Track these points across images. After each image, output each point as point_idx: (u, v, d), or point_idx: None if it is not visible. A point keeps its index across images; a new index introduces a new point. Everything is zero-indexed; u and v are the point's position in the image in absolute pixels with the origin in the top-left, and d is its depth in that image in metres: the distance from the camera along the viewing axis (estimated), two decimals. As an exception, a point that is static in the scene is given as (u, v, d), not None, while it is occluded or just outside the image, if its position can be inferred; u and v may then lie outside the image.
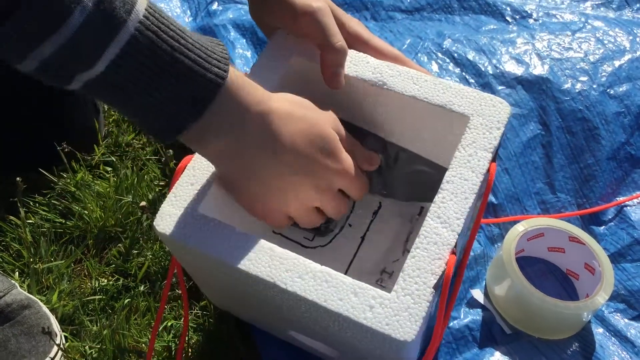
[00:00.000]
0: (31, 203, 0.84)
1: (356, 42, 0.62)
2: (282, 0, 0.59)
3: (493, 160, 0.55)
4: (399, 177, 0.66)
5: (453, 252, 0.50)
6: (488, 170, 0.54)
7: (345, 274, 0.66)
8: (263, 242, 0.51)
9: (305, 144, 0.52)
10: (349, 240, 0.68)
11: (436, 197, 0.52)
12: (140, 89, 0.44)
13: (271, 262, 0.50)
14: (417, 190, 0.67)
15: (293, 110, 0.52)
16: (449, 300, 0.56)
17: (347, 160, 0.55)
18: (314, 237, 0.67)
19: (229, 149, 0.50)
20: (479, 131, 0.55)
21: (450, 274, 0.48)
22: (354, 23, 0.62)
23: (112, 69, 0.42)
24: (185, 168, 0.55)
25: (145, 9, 0.42)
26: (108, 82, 0.43)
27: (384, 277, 0.66)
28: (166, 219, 0.53)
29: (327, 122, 0.54)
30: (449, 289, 0.50)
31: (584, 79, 0.87)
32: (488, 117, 0.56)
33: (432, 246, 0.50)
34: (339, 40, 0.58)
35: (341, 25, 0.60)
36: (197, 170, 0.55)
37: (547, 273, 0.77)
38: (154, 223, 0.53)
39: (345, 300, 0.48)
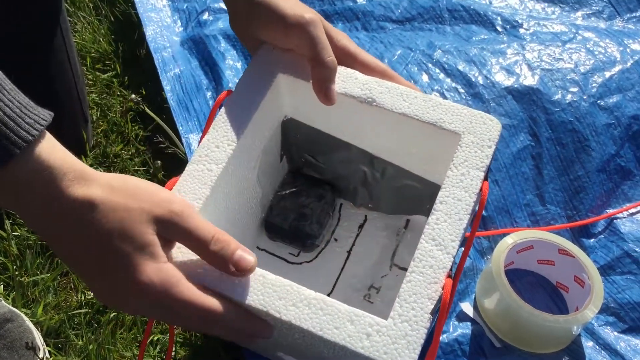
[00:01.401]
0: (17, 216, 0.83)
1: (344, 56, 0.61)
2: (271, 11, 0.57)
3: (485, 178, 0.54)
4: (385, 190, 0.66)
5: (449, 276, 0.49)
6: (481, 189, 0.53)
7: (332, 290, 0.65)
8: (258, 270, 0.49)
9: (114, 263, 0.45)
10: (335, 255, 0.67)
11: (430, 218, 0.51)
12: None
13: (264, 289, 0.48)
14: (403, 203, 0.67)
15: (117, 202, 0.45)
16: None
17: (151, 278, 0.45)
18: (299, 252, 0.67)
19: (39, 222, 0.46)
20: (471, 149, 0.55)
21: (448, 298, 0.47)
22: (341, 36, 0.61)
23: None
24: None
25: None
26: None
27: (372, 292, 0.66)
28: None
29: (139, 233, 0.45)
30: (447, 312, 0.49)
31: (575, 89, 0.87)
32: (479, 134, 0.55)
33: (428, 270, 0.49)
34: (329, 54, 0.56)
35: (330, 39, 0.59)
36: (182, 194, 0.54)
37: (536, 286, 0.77)
38: None
39: (342, 329, 0.47)
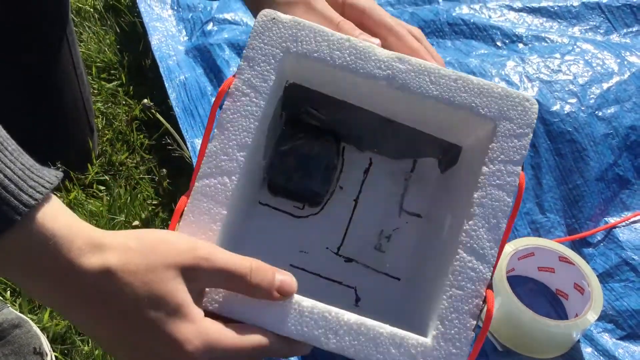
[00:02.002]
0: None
1: (354, 16, 0.56)
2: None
3: (522, 168, 0.50)
4: (394, 141, 0.61)
5: (489, 287, 0.47)
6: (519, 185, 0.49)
7: (342, 242, 0.62)
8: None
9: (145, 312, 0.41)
10: (342, 204, 0.63)
11: (467, 224, 0.48)
12: None
13: (301, 319, 0.46)
14: (410, 148, 0.62)
15: (135, 269, 0.41)
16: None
17: (187, 337, 0.42)
18: (304, 205, 0.63)
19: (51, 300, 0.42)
20: (507, 140, 0.49)
21: (492, 312, 0.45)
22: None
23: None
24: (182, 213, 0.49)
25: None
26: None
27: (383, 241, 0.63)
28: None
29: (170, 292, 0.42)
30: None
31: (573, 101, 0.89)
32: (516, 121, 0.49)
33: (468, 283, 0.46)
34: (339, 20, 0.54)
35: (339, 4, 0.56)
36: (195, 217, 0.48)
37: (537, 292, 0.78)
38: None
39: (386, 354, 0.45)
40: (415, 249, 0.62)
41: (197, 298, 0.43)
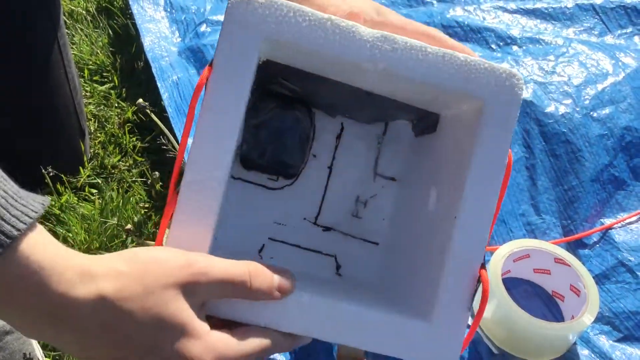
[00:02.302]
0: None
1: (387, 27, 0.52)
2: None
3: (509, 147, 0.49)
4: (368, 107, 0.60)
5: (483, 267, 0.48)
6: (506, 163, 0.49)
7: (319, 212, 0.61)
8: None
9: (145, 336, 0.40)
10: (317, 172, 0.62)
11: (461, 207, 0.48)
12: None
13: (300, 314, 0.46)
14: (384, 113, 0.61)
15: (129, 293, 0.40)
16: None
17: (197, 355, 0.41)
18: (278, 177, 0.61)
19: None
20: (495, 119, 0.48)
21: (488, 288, 0.47)
22: (385, 11, 0.53)
23: None
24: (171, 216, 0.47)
25: None
26: None
27: (359, 207, 0.62)
28: None
29: (173, 313, 0.41)
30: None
31: (567, 102, 0.88)
32: (503, 98, 0.48)
33: (464, 266, 0.47)
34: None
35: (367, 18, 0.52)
36: (184, 224, 0.47)
37: (532, 294, 0.78)
38: None
39: (386, 342, 0.46)
40: (392, 214, 0.61)
41: (199, 311, 0.42)
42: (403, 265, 0.56)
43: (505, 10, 1.08)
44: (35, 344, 0.72)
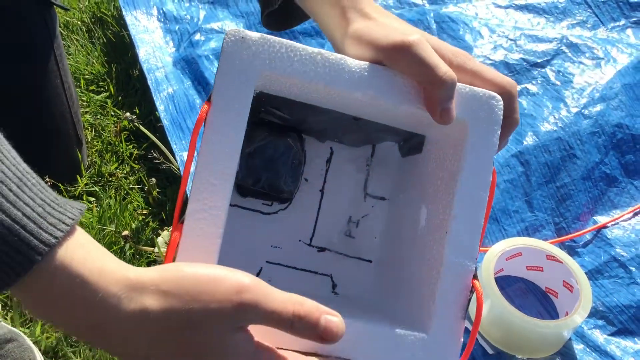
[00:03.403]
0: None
1: (462, 75, 0.52)
2: (368, 42, 0.51)
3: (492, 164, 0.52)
4: (356, 132, 0.62)
5: (475, 277, 0.50)
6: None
7: (314, 233, 0.63)
8: None
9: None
10: (309, 195, 0.65)
11: (450, 225, 0.50)
12: None
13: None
14: (371, 137, 0.64)
15: (173, 311, 0.39)
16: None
17: None
18: (272, 202, 0.64)
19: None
20: (478, 139, 0.51)
21: (482, 298, 0.49)
22: (459, 54, 0.53)
23: None
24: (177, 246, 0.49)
25: None
26: None
27: (351, 227, 0.65)
28: None
29: (219, 342, 0.41)
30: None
31: (560, 98, 0.89)
32: (485, 119, 0.51)
33: (457, 279, 0.50)
34: (444, 71, 0.49)
35: (442, 57, 0.51)
36: (190, 252, 0.48)
37: (526, 292, 0.78)
38: None
39: (389, 354, 0.48)
40: (383, 231, 0.64)
41: (242, 331, 0.42)
42: (397, 281, 0.58)
43: (498, 5, 1.09)
44: (36, 351, 0.73)
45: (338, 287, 0.64)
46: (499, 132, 0.51)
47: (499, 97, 0.51)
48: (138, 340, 0.39)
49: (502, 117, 0.51)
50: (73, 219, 0.37)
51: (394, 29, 0.52)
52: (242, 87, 0.49)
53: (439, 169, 0.55)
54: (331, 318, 0.43)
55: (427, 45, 0.50)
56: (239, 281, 0.41)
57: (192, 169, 0.50)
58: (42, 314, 0.38)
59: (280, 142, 0.63)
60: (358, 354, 0.48)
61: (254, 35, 0.50)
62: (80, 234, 0.38)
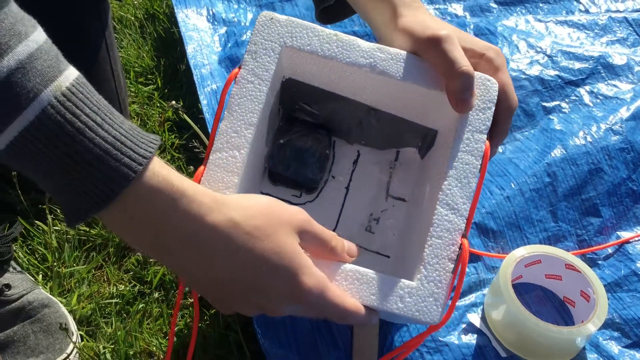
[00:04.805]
0: (58, 210, 0.90)
1: (489, 68, 0.60)
2: (406, 33, 0.59)
3: (487, 138, 0.57)
4: (378, 131, 0.68)
5: (464, 236, 0.55)
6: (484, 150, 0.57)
7: (337, 225, 0.70)
8: None
9: (263, 271, 0.48)
10: (336, 191, 0.71)
11: (443, 184, 0.56)
12: (48, 171, 0.42)
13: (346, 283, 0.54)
14: (394, 139, 0.69)
15: (256, 227, 0.48)
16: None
17: (309, 286, 0.50)
18: (301, 193, 0.71)
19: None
20: (473, 113, 0.57)
21: (467, 256, 0.53)
22: (489, 49, 0.61)
23: (15, 148, 0.41)
24: (199, 181, 0.57)
25: (63, 92, 0.41)
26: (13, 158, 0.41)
27: (372, 223, 0.70)
28: None
29: (291, 245, 0.49)
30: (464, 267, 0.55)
31: (591, 113, 0.90)
32: (480, 97, 0.58)
33: (445, 233, 0.55)
34: (462, 65, 0.56)
35: (471, 52, 0.59)
36: (210, 184, 0.57)
37: (544, 300, 0.80)
38: None
39: (378, 295, 0.53)
40: (402, 229, 0.69)
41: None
42: (407, 267, 0.62)
43: (539, 20, 1.11)
44: (70, 318, 0.78)
45: None
46: (493, 108, 0.57)
47: (493, 79, 0.58)
48: (223, 249, 0.46)
49: (496, 97, 0.58)
50: (157, 141, 0.45)
51: (431, 24, 0.59)
52: (268, 54, 0.58)
53: (442, 150, 0.61)
54: (349, 244, 0.56)
55: (454, 41, 0.57)
56: (295, 207, 0.52)
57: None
58: (135, 227, 0.45)
59: (309, 136, 0.71)
60: (358, 295, 0.53)
61: (282, 17, 0.59)
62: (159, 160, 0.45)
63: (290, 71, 0.62)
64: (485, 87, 0.58)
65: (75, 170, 0.41)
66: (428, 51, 0.58)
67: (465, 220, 0.55)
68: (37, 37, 0.42)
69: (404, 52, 0.59)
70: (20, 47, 0.40)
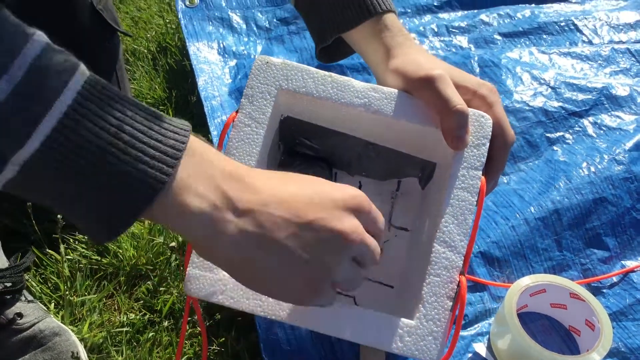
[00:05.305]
0: (71, 240, 0.92)
1: (482, 105, 0.61)
2: (400, 74, 0.61)
3: (483, 174, 0.58)
4: (378, 163, 0.69)
5: (461, 273, 0.55)
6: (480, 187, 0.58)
7: None
8: None
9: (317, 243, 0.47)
10: None
11: (440, 222, 0.57)
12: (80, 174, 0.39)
13: (304, 310, 0.55)
14: (394, 170, 0.70)
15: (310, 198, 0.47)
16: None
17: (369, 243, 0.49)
18: None
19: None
20: (468, 150, 0.58)
21: (465, 293, 0.54)
22: (483, 87, 0.62)
23: (46, 149, 0.38)
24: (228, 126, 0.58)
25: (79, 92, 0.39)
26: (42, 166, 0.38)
27: None
28: (195, 283, 0.55)
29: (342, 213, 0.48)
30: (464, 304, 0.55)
31: (594, 144, 0.91)
32: (474, 133, 0.59)
33: (443, 271, 0.55)
34: (456, 103, 0.57)
35: (464, 89, 0.60)
36: None
37: (550, 329, 0.80)
38: (185, 288, 0.56)
39: (378, 336, 0.54)
40: (404, 259, 0.69)
41: None
42: (409, 297, 0.63)
43: (542, 52, 1.13)
44: (81, 347, 0.79)
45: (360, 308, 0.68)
46: (488, 144, 0.58)
47: (487, 116, 0.59)
48: (277, 220, 0.45)
49: (490, 132, 0.59)
50: (189, 126, 0.45)
51: (423, 64, 0.60)
52: (264, 97, 0.60)
53: (440, 184, 0.62)
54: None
55: (447, 80, 0.58)
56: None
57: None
58: (187, 204, 0.43)
59: (310, 169, 0.72)
60: (360, 336, 0.54)
61: (277, 60, 0.61)
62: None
63: (288, 110, 0.64)
64: (480, 124, 0.59)
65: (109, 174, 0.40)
66: (422, 91, 0.59)
67: (462, 257, 0.56)
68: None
69: (397, 91, 0.60)
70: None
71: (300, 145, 0.70)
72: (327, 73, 0.60)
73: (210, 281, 0.56)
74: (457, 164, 0.58)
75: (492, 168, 0.61)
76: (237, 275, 0.47)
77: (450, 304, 0.54)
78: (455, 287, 0.55)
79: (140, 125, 0.41)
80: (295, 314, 0.54)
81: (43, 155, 0.37)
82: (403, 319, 0.54)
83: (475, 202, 0.57)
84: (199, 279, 0.56)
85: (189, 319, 0.83)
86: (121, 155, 0.40)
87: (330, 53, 0.75)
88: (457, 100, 0.57)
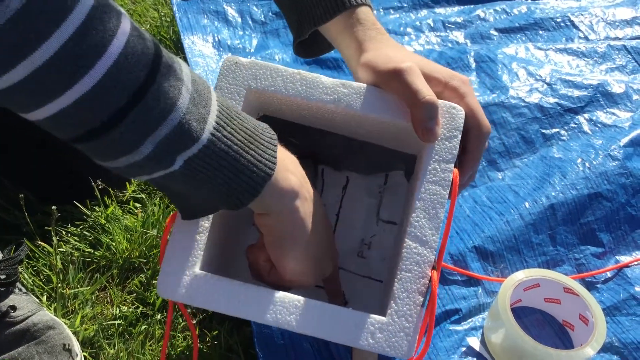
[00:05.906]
0: (64, 233, 0.91)
1: (454, 96, 0.61)
2: (370, 68, 0.60)
3: (455, 166, 0.57)
4: (363, 158, 0.69)
5: (433, 268, 0.54)
6: (452, 179, 0.57)
7: None
8: (262, 291, 0.54)
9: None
10: None
11: (411, 217, 0.56)
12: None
13: (274, 307, 0.53)
14: (378, 163, 0.70)
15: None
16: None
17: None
18: None
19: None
20: (438, 142, 0.57)
21: (436, 289, 0.53)
22: (455, 78, 0.61)
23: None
24: (170, 228, 0.58)
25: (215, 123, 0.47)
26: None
27: (364, 248, 0.70)
28: (167, 284, 0.55)
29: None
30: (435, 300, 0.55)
31: (589, 140, 0.91)
32: (445, 125, 0.58)
33: (415, 266, 0.54)
34: (424, 95, 0.56)
35: (436, 80, 0.60)
36: (183, 227, 0.58)
37: (544, 323, 0.80)
38: (157, 290, 0.56)
39: (349, 333, 0.53)
40: (392, 253, 0.68)
41: None
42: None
43: (539, 48, 1.13)
44: (74, 340, 0.79)
45: (349, 304, 0.68)
46: (459, 136, 0.57)
47: (459, 107, 0.58)
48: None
49: (462, 124, 0.58)
50: (275, 133, 0.53)
51: (393, 57, 0.60)
52: (234, 97, 0.59)
53: (415, 178, 0.61)
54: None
55: (416, 71, 0.58)
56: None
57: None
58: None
59: None
60: (317, 330, 0.53)
61: (245, 60, 0.60)
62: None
63: (263, 109, 0.64)
64: (451, 115, 0.58)
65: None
66: (391, 84, 0.58)
67: (435, 252, 0.54)
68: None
69: (367, 86, 0.59)
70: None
71: (282, 142, 0.70)
72: (295, 70, 0.60)
73: (185, 284, 0.55)
74: (428, 157, 0.57)
75: (468, 160, 0.60)
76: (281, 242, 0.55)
77: (422, 299, 0.53)
78: (427, 282, 0.54)
79: (248, 137, 0.49)
80: (265, 314, 0.53)
81: (200, 153, 0.46)
82: (374, 316, 0.53)
83: (447, 196, 0.56)
84: (173, 281, 0.55)
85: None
86: (246, 156, 0.49)
87: (307, 48, 0.74)
88: (426, 91, 0.56)
